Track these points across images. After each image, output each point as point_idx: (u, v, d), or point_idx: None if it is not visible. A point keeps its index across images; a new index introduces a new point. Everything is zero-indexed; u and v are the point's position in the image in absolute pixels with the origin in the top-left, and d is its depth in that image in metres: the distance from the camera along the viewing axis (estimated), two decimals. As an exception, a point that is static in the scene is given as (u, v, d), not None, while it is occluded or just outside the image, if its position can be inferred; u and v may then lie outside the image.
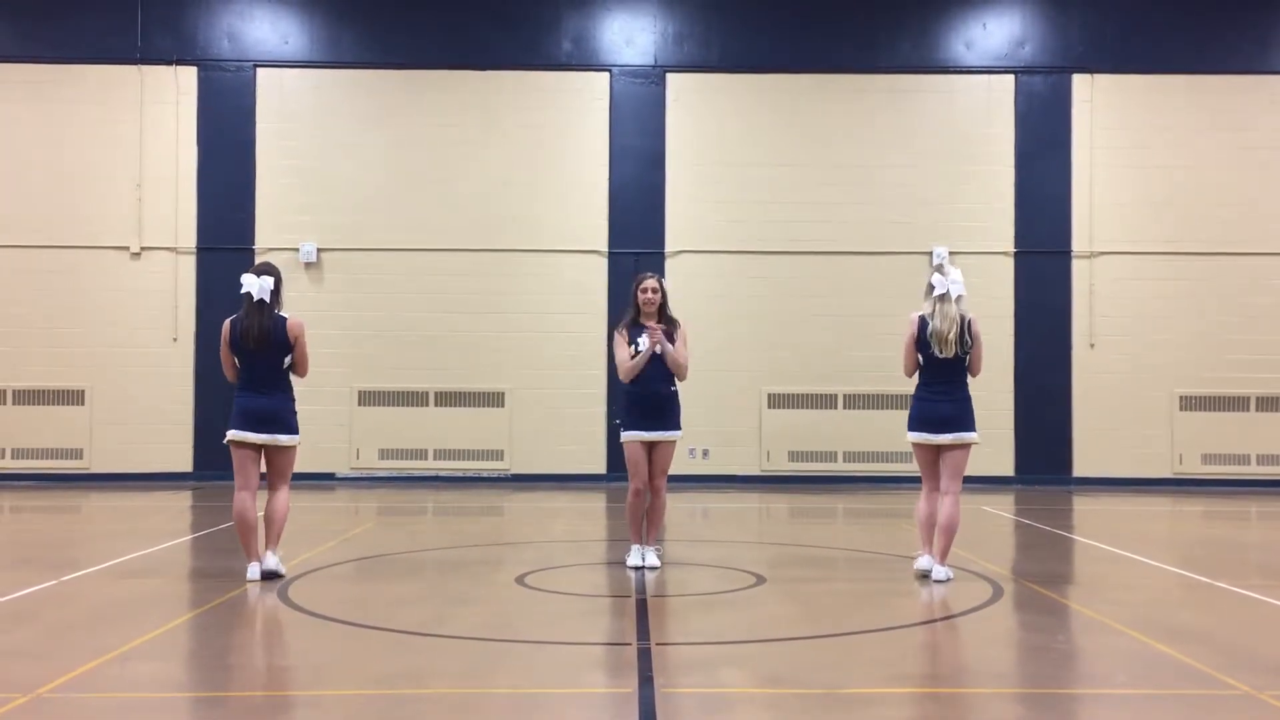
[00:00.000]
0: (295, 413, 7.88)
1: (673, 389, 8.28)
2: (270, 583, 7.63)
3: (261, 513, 7.87)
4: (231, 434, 7.72)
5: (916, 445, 8.00)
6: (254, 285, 7.67)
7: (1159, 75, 16.37)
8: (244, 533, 7.70)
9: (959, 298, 7.79)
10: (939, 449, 7.92)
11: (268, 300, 7.67)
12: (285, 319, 7.75)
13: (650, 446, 8.23)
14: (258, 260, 15.97)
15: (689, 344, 8.49)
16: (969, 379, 7.96)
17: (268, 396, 7.72)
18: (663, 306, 8.29)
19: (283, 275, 7.94)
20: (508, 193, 16.25)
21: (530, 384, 16.10)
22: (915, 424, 7.97)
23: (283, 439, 7.76)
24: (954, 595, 7.55)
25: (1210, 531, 12.04)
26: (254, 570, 7.70)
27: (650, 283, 8.32)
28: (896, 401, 15.94)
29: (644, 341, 8.16)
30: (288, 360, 7.77)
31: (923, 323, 7.81)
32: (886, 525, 11.82)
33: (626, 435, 8.23)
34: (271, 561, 7.82)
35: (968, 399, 7.92)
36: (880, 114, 16.42)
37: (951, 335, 7.72)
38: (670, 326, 8.26)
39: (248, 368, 7.74)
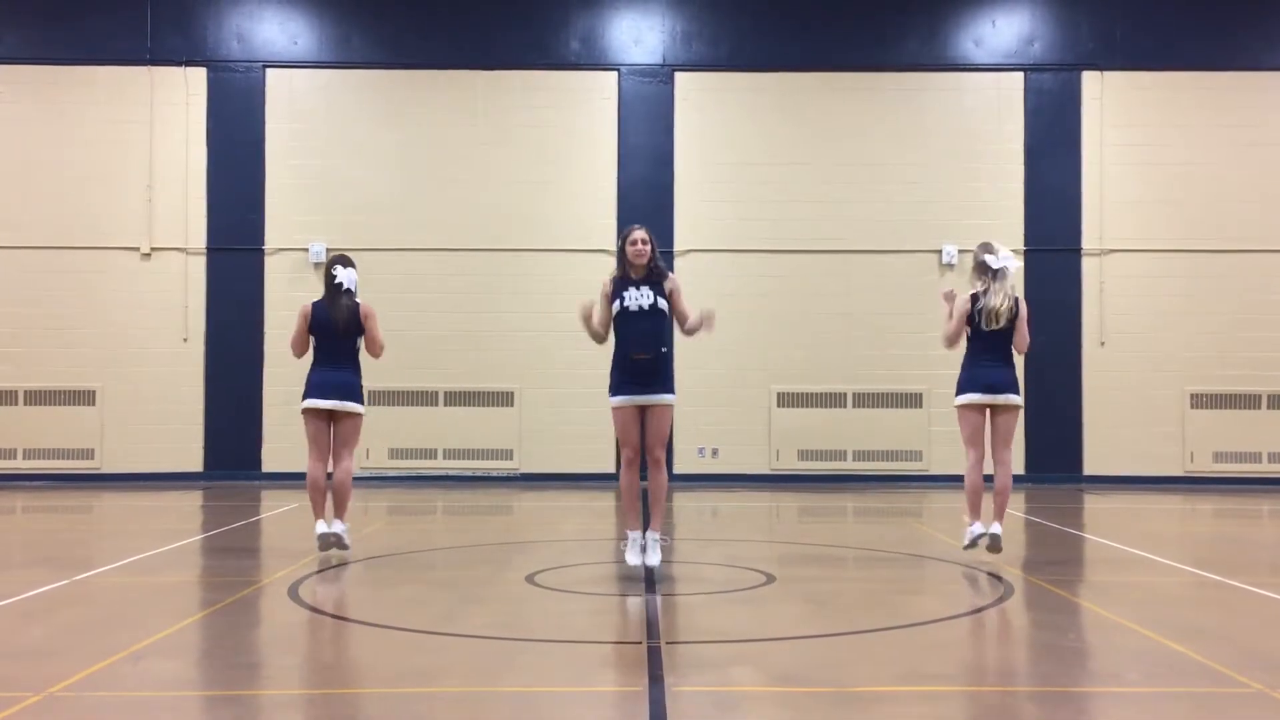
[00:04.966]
0: (363, 388, 8.84)
1: (665, 350, 7.70)
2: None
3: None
4: (306, 403, 8.63)
5: (966, 408, 8.45)
6: (345, 276, 8.74)
7: (1169, 72, 16.32)
8: (314, 495, 8.59)
9: (1013, 272, 8.36)
10: (987, 413, 8.38)
11: (353, 289, 8.77)
12: (360, 304, 8.81)
13: (642, 413, 7.71)
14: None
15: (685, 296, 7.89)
16: (1016, 356, 8.52)
17: (341, 371, 8.68)
18: (653, 259, 7.79)
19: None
20: (517, 192, 16.26)
21: (539, 383, 16.10)
22: (966, 387, 8.46)
23: (351, 406, 8.64)
24: (965, 593, 7.55)
25: (1222, 529, 12.00)
26: (321, 526, 8.52)
27: (639, 234, 7.77)
28: (906, 400, 15.94)
29: (630, 295, 7.68)
30: (360, 341, 8.80)
31: (974, 299, 8.34)
32: (896, 524, 11.80)
33: (615, 400, 7.69)
34: (339, 527, 8.59)
35: (1014, 367, 8.49)
36: (889, 112, 16.40)
37: (1004, 308, 8.27)
38: (660, 278, 7.76)
39: (325, 347, 8.70)
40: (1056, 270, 16.19)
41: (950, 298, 8.59)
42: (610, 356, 7.87)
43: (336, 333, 8.66)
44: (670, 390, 7.77)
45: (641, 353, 7.65)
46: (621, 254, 7.86)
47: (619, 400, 7.72)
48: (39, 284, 16.08)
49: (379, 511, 12.58)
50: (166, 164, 16.20)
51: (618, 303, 7.74)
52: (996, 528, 8.33)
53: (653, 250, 7.82)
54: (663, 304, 7.74)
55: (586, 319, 7.83)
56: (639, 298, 7.72)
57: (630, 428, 7.73)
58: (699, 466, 15.99)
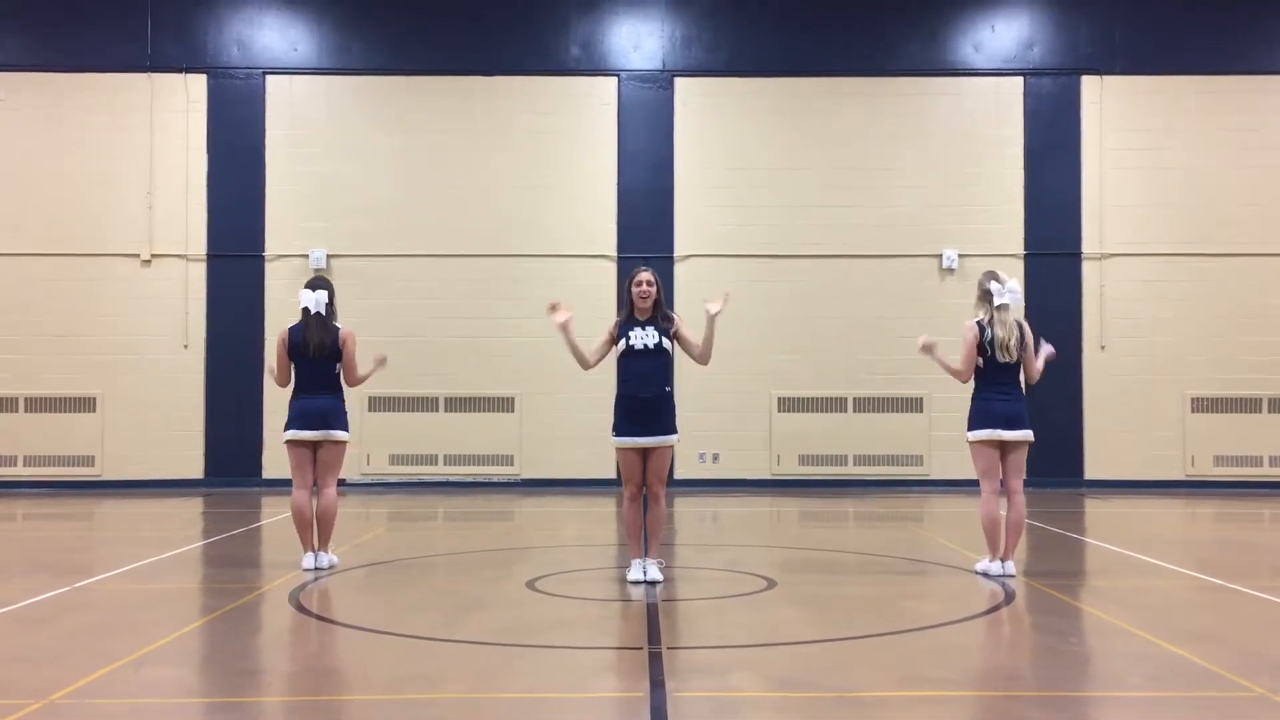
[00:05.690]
0: (345, 413, 8.56)
1: (668, 389, 7.81)
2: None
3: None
4: (289, 434, 8.42)
5: (982, 444, 8.20)
6: (310, 299, 8.39)
7: (1168, 76, 16.33)
8: (300, 527, 8.44)
9: (1015, 306, 8.20)
10: (1003, 448, 8.17)
11: (323, 313, 8.41)
12: (339, 329, 8.48)
13: (645, 452, 7.80)
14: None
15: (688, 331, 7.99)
16: (1025, 383, 8.29)
17: (321, 398, 8.42)
18: (658, 302, 7.89)
19: (334, 287, 8.65)
20: (517, 198, 16.27)
21: (540, 389, 16.10)
22: (983, 422, 8.20)
23: (335, 434, 8.43)
24: (966, 597, 7.54)
25: (1223, 533, 12.00)
26: (309, 560, 8.40)
27: (645, 275, 7.90)
28: (907, 404, 15.94)
29: (635, 335, 7.79)
30: (339, 366, 8.50)
31: (981, 328, 8.16)
32: (897, 529, 11.80)
33: (618, 441, 7.79)
34: (325, 560, 8.49)
35: (1024, 399, 8.27)
36: (889, 117, 16.41)
37: (1012, 342, 8.11)
38: (666, 321, 7.87)
39: (304, 373, 8.44)
40: (1056, 274, 16.20)
41: (930, 349, 8.38)
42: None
43: (309, 357, 8.35)
44: (673, 431, 7.85)
45: (644, 393, 7.71)
46: (628, 295, 7.96)
47: (622, 442, 7.80)
48: (39, 290, 16.09)
49: (380, 517, 12.57)
50: (167, 170, 16.22)
51: (623, 341, 7.84)
52: (1010, 567, 8.17)
53: (658, 292, 7.91)
54: (667, 344, 7.83)
55: (563, 326, 7.91)
56: (644, 337, 7.82)
57: (633, 467, 7.83)
58: (700, 471, 15.98)
